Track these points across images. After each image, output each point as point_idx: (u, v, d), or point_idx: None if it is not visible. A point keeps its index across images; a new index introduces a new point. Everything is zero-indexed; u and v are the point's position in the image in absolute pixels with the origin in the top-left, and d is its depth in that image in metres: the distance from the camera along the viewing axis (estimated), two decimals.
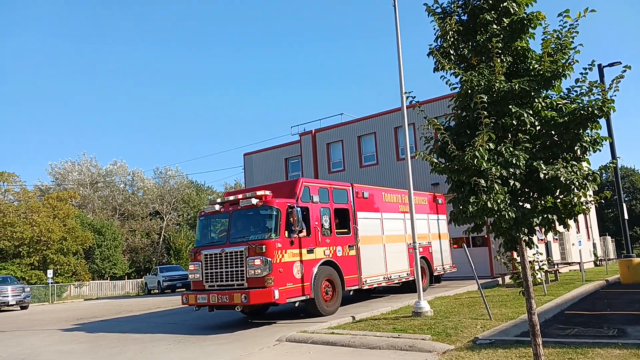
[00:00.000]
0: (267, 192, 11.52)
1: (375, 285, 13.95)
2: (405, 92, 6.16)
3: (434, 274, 16.83)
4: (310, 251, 11.65)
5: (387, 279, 14.23)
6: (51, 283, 32.55)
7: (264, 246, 10.60)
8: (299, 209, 11.29)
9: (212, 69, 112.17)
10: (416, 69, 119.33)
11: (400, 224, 15.52)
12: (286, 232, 11.12)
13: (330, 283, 12.06)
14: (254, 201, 11.22)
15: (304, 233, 11.64)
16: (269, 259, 10.51)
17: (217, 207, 12.15)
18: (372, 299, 14.91)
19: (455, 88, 5.88)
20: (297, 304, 11.33)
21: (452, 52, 6.09)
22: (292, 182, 12.47)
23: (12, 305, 25.78)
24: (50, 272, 32.22)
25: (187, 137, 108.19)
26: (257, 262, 10.51)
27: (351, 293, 13.03)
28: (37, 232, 35.08)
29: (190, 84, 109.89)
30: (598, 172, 5.42)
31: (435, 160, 5.66)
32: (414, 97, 6.04)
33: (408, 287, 15.45)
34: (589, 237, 29.52)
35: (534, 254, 14.75)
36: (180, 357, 8.30)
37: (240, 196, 11.83)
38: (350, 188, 13.69)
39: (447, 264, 18.05)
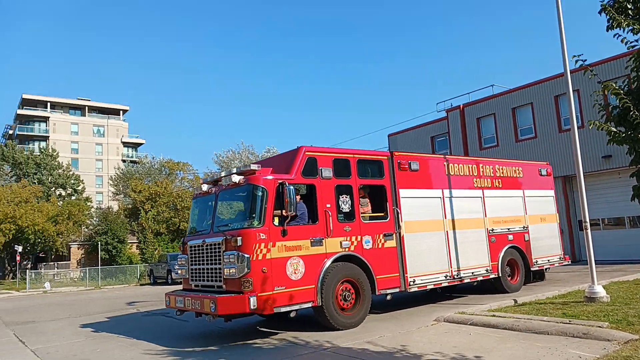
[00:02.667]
0: (256, 167, 8.82)
1: (430, 287, 10.52)
2: (574, 56, 5.57)
3: (532, 269, 13.02)
4: (316, 243, 8.71)
5: (451, 277, 10.80)
6: None
7: (239, 238, 8.07)
8: (292, 187, 8.37)
9: (354, 48, 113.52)
10: (574, 30, 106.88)
11: (475, 204, 11.91)
12: (276, 218, 8.40)
13: (351, 285, 9.10)
14: (236, 179, 8.67)
15: (305, 219, 8.90)
16: (246, 254, 7.94)
17: (205, 187, 9.78)
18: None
19: (633, 46, 5.18)
20: (292, 314, 8.44)
21: (629, 6, 5.34)
22: (292, 153, 9.29)
23: None
24: None
25: (332, 120, 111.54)
26: (232, 259, 8.08)
27: (388, 297, 9.89)
28: None
29: (332, 65, 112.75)
30: None
31: (614, 129, 5.06)
32: (585, 60, 5.45)
33: (492, 286, 12.12)
34: None
35: None
36: (342, 331, 8.72)
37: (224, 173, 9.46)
38: (389, 158, 10.32)
39: (554, 254, 13.78)
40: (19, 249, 35.35)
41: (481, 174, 12.28)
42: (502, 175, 12.82)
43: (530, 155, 21.61)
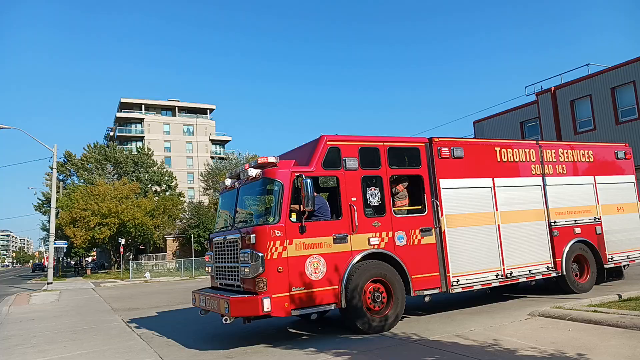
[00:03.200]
0: (273, 159, 8.12)
1: (477, 287, 9.32)
2: None
3: (606, 266, 11.38)
4: (339, 240, 7.95)
5: (503, 276, 9.57)
6: None
7: (252, 235, 7.58)
8: (308, 181, 7.62)
9: (435, 36, 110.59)
10: None
11: (533, 194, 10.52)
12: (293, 214, 7.77)
13: (382, 285, 8.22)
14: (253, 172, 8.10)
15: (326, 214, 8.19)
16: (259, 253, 7.41)
17: (228, 181, 9.23)
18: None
19: None
20: (312, 317, 7.95)
21: None
22: (313, 143, 8.47)
23: None
24: None
25: (417, 111, 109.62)
26: (246, 257, 7.59)
27: (427, 299, 8.90)
28: None
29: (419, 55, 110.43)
30: None
31: None
32: None
33: (557, 286, 10.83)
34: None
35: None
36: (430, 324, 8.60)
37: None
38: (426, 144, 9.25)
39: (635, 249, 11.88)
40: (122, 241, 38.38)
41: (541, 160, 10.81)
42: (567, 160, 11.30)
43: (634, 138, 19.84)
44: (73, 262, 68.39)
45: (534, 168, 10.69)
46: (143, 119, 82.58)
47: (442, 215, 9.01)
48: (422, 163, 9.13)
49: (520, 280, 9.98)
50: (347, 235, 8.02)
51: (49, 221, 39.31)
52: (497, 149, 10.24)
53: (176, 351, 7.85)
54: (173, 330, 9.87)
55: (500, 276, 9.58)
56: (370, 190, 8.46)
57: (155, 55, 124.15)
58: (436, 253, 8.89)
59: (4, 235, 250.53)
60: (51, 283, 28.71)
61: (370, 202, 8.42)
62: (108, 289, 26.10)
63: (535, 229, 10.38)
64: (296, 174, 7.78)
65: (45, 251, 72.13)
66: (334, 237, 7.92)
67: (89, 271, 49.03)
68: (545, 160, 10.92)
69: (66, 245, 42.33)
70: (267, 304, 7.24)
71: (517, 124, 28.28)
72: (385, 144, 8.79)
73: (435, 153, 9.19)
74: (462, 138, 10.09)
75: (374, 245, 8.23)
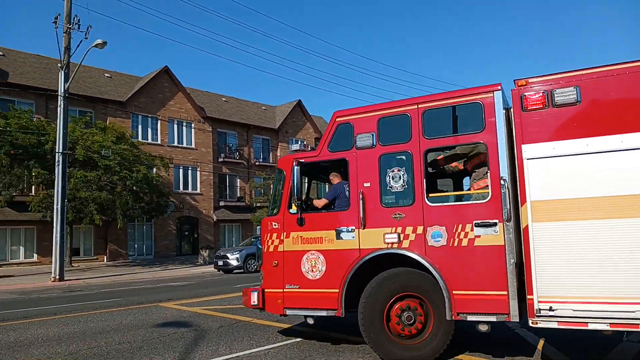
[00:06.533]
0: (297, 147, 7.10)
1: (599, 327, 4.97)
2: None
3: None
4: (342, 235, 6.40)
5: None
6: None
7: (258, 227, 7.56)
8: (296, 168, 6.62)
9: None
10: None
11: None
12: (291, 204, 6.84)
13: (419, 302, 5.96)
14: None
15: (342, 205, 6.74)
16: (260, 245, 7.27)
17: None
18: None
19: None
20: (309, 320, 6.67)
21: None
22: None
23: None
24: None
25: None
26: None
27: (482, 328, 5.60)
28: None
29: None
30: None
31: None
32: None
33: None
34: None
35: None
36: None
37: None
38: (496, 94, 5.73)
39: None
40: None
41: None
42: None
43: None
44: None
45: None
46: None
47: (523, 201, 5.52)
48: (484, 124, 5.88)
49: None
50: (353, 230, 6.41)
51: None
52: None
53: None
54: None
55: None
56: (392, 172, 6.39)
57: None
58: (503, 260, 5.61)
59: None
60: None
61: (392, 187, 6.35)
62: None
63: None
64: (295, 162, 6.83)
65: None
66: (338, 230, 6.51)
67: None
68: None
69: None
70: (254, 298, 6.95)
71: None
72: (420, 105, 6.26)
73: (516, 103, 5.70)
74: (573, 71, 5.56)
75: (390, 243, 6.15)
